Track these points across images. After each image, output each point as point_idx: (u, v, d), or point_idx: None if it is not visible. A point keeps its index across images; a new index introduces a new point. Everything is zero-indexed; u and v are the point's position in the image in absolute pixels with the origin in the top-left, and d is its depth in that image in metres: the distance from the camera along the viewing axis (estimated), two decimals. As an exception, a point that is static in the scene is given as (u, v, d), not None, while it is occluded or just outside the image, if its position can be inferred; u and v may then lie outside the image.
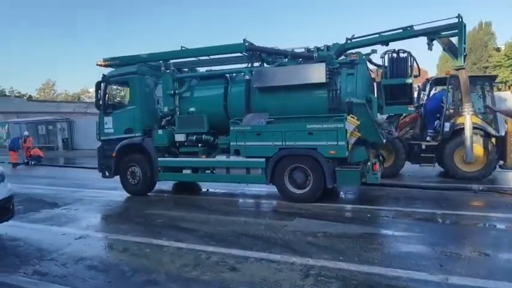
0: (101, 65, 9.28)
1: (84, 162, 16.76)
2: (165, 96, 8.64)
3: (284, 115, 7.49)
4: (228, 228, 5.71)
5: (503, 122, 9.37)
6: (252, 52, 8.10)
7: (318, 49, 7.77)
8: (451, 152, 9.11)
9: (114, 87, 9.79)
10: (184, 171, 8.20)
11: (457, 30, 6.94)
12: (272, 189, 8.43)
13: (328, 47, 7.81)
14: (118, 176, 8.85)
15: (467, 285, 3.55)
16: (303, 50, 7.87)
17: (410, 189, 8.27)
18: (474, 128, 8.80)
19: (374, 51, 7.36)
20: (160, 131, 8.34)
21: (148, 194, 8.70)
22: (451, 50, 7.16)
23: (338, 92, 7.23)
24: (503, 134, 9.07)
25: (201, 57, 8.76)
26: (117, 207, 7.92)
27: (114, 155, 8.68)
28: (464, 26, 6.90)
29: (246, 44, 7.81)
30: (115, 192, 9.17)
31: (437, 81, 10.86)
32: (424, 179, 9.52)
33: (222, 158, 7.87)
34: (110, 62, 9.17)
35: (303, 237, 5.15)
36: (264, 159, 7.34)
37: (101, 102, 8.94)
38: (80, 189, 9.89)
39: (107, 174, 9.11)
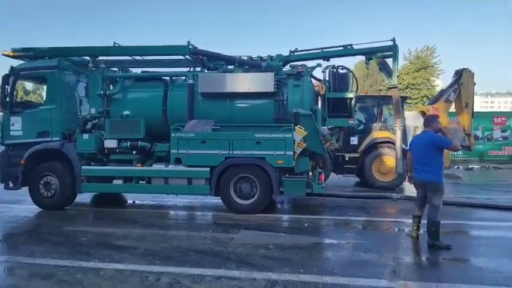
0: (8, 56, 7.84)
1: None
2: (92, 96, 7.62)
3: (228, 123, 7.16)
4: (171, 243, 5.09)
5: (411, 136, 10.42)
6: (195, 56, 7.65)
7: (261, 59, 7.72)
8: (370, 164, 9.78)
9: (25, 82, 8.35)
10: (115, 182, 7.22)
11: (391, 52, 7.50)
12: (205, 200, 8.11)
13: (271, 58, 7.80)
14: (26, 188, 7.43)
15: None
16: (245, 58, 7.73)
17: (338, 198, 8.55)
18: (388, 142, 9.64)
19: (319, 65, 7.55)
20: (85, 136, 7.26)
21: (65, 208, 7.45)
22: (385, 70, 7.72)
23: (285, 102, 7.19)
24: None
25: (136, 57, 7.99)
26: (24, 225, 6.57)
27: (22, 162, 7.27)
28: (397, 47, 7.51)
29: (190, 47, 7.35)
30: (18, 207, 7.71)
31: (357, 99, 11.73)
32: (347, 188, 10.03)
33: (160, 167, 7.14)
34: (21, 53, 7.81)
35: (255, 250, 4.82)
36: (208, 169, 6.86)
37: (8, 99, 7.49)
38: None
39: (11, 185, 7.58)
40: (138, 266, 4.20)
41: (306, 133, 6.78)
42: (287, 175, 6.89)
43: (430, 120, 5.16)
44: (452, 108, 9.91)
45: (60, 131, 7.42)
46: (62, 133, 7.44)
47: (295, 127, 6.74)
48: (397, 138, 7.97)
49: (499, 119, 17.31)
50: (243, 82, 7.12)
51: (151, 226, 6.14)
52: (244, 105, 7.33)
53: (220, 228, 5.97)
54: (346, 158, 9.75)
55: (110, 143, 7.27)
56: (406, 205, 7.96)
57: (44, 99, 7.64)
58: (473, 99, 9.48)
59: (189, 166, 6.94)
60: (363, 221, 6.58)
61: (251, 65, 7.44)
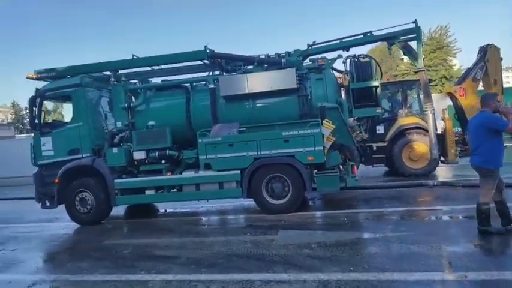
0: (32, 78, 8.02)
1: (7, 193, 14.35)
2: (116, 110, 7.71)
3: (253, 124, 7.11)
4: (212, 250, 5.07)
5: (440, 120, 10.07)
6: (213, 60, 7.62)
7: (279, 56, 7.61)
8: (399, 152, 9.51)
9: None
10: (147, 192, 7.28)
11: (415, 35, 7.26)
12: (236, 203, 8.08)
13: (289, 54, 7.68)
14: (62, 206, 7.58)
15: (486, 280, 3.44)
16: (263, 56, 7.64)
17: (371, 190, 8.36)
18: (416, 127, 9.35)
19: (340, 56, 7.38)
20: (114, 150, 7.35)
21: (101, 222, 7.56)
22: (410, 53, 7.48)
23: (309, 97, 7.07)
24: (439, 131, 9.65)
25: (155, 67, 8.04)
26: (64, 242, 6.73)
27: (57, 180, 7.41)
28: (420, 29, 7.26)
29: (208, 51, 7.32)
30: (55, 225, 7.91)
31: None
32: (377, 179, 9.80)
33: (190, 173, 7.16)
34: (44, 74, 7.97)
35: (298, 250, 4.74)
36: (238, 171, 6.82)
37: (36, 121, 7.67)
38: (8, 224, 8.37)
39: (48, 204, 7.76)
40: (185, 275, 4.18)
41: (334, 126, 6.66)
42: (318, 171, 6.78)
43: (487, 99, 4.71)
44: (480, 87, 9.52)
45: (89, 147, 7.53)
46: (92, 149, 7.55)
47: (323, 121, 6.62)
48: (429, 122, 7.70)
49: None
50: (265, 81, 7.05)
51: (188, 234, 6.16)
52: (268, 104, 7.26)
53: (258, 230, 5.91)
54: (374, 148, 9.52)
55: (139, 155, 7.33)
56: (444, 191, 7.75)
57: (71, 118, 7.75)
58: (501, 75, 9.08)
59: (219, 170, 6.92)
60: (403, 211, 6.39)
61: (270, 63, 7.35)
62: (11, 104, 60.53)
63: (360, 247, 4.66)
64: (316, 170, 6.75)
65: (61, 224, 7.81)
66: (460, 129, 9.81)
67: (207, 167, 6.98)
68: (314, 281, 3.71)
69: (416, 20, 7.21)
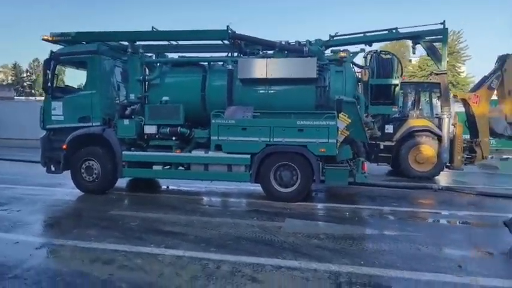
0: (48, 40, 7.87)
1: (6, 154, 14.29)
2: (131, 82, 7.60)
3: (268, 109, 7.04)
4: (219, 231, 5.08)
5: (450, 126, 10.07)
6: (234, 41, 7.50)
7: (299, 44, 7.49)
8: (407, 153, 9.52)
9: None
10: (155, 167, 7.26)
11: (441, 36, 7.16)
12: (240, 186, 8.12)
13: (310, 42, 7.56)
14: (66, 172, 7.55)
15: (498, 286, 3.47)
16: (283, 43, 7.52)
17: (374, 187, 8.37)
18: (425, 130, 9.33)
19: (363, 50, 7.28)
20: (126, 121, 7.29)
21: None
22: (434, 55, 7.40)
23: (327, 88, 7.01)
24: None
25: (173, 42, 7.90)
26: (69, 208, 6.74)
27: (65, 146, 7.37)
28: (447, 31, 7.16)
29: (230, 31, 7.19)
30: (59, 190, 7.88)
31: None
32: (380, 177, 9.80)
33: (199, 153, 7.13)
34: (59, 38, 7.82)
35: (306, 239, 4.77)
36: (249, 156, 6.80)
37: (49, 84, 7.56)
38: (11, 185, 8.33)
39: (53, 168, 7.74)
40: (195, 252, 4.20)
41: (350, 121, 6.62)
42: (327, 163, 6.78)
43: None
44: (494, 96, 9.49)
45: (100, 116, 7.46)
46: (103, 118, 7.48)
47: (339, 114, 6.57)
48: (444, 126, 7.68)
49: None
50: (285, 68, 6.96)
51: (194, 213, 6.16)
52: (284, 91, 7.18)
53: (264, 216, 5.92)
54: (381, 147, 9.51)
55: (150, 129, 7.29)
56: (448, 196, 7.79)
57: (84, 85, 7.65)
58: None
59: (229, 153, 6.90)
60: (409, 211, 6.41)
61: (292, 50, 7.24)
62: (12, 65, 59.65)
63: (368, 242, 4.70)
64: (326, 163, 6.75)
65: (65, 190, 7.79)
66: (468, 136, 9.80)
67: (218, 148, 6.95)
68: (325, 271, 3.73)
69: (444, 21, 7.13)
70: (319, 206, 6.95)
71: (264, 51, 7.60)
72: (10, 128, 20.86)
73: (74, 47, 7.75)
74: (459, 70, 36.11)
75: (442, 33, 7.13)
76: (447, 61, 7.46)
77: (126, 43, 7.67)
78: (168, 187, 8.50)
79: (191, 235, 4.89)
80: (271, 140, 6.72)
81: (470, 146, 9.03)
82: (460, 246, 4.71)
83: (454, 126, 9.55)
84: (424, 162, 9.31)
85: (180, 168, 7.36)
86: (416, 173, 9.40)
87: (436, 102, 9.87)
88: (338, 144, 6.63)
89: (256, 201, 7.02)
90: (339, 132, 6.60)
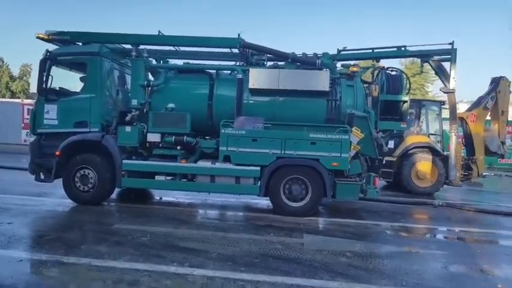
0: (43, 39, 7.36)
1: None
2: (134, 86, 7.22)
3: (277, 121, 6.90)
4: (241, 248, 4.81)
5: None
6: (243, 50, 7.34)
7: (306, 55, 7.45)
8: (408, 168, 9.66)
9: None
10: (157, 178, 6.87)
11: (449, 56, 7.35)
12: (238, 199, 7.88)
13: (317, 56, 7.55)
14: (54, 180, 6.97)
15: None
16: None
17: (376, 203, 8.37)
18: (425, 147, 9.54)
19: (373, 66, 7.35)
20: (128, 128, 6.87)
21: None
22: (442, 73, 7.58)
23: (338, 102, 6.97)
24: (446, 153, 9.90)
25: (180, 48, 7.62)
26: (67, 221, 6.20)
27: (58, 153, 6.81)
28: (456, 51, 7.37)
29: (240, 40, 7.02)
30: (49, 200, 7.33)
31: None
32: (383, 192, 9.87)
33: (206, 164, 6.82)
34: (55, 37, 7.34)
35: (334, 257, 4.60)
36: (258, 168, 6.58)
37: (44, 86, 7.02)
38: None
39: (43, 176, 7.12)
40: (226, 272, 3.91)
41: (362, 135, 6.59)
42: (339, 178, 6.69)
43: None
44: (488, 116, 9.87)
45: (99, 122, 6.99)
46: (101, 124, 7.02)
47: (352, 129, 6.53)
48: (452, 143, 7.84)
49: (509, 127, 17.48)
50: (298, 79, 6.87)
51: (205, 227, 5.87)
52: (296, 103, 7.07)
53: (281, 231, 5.69)
54: (383, 162, 9.58)
55: (153, 137, 6.91)
56: (450, 212, 7.91)
57: (83, 88, 7.16)
58: (508, 107, 9.48)
59: (238, 164, 6.65)
60: (421, 228, 6.48)
61: (305, 62, 7.17)
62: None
63: (397, 261, 4.58)
64: (334, 177, 6.66)
65: (55, 200, 7.21)
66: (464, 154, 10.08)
67: (226, 159, 6.69)
68: (370, 293, 3.57)
69: (453, 41, 7.33)
70: (330, 221, 6.80)
71: (274, 62, 7.49)
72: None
73: (73, 47, 7.30)
74: (427, 89, 37.86)
75: (451, 53, 7.34)
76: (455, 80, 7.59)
77: (129, 46, 7.31)
78: (161, 198, 8.10)
79: (212, 252, 4.58)
80: (283, 152, 6.56)
81: (467, 164, 9.30)
82: (488, 263, 4.70)
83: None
84: (424, 178, 9.46)
85: (184, 179, 7.02)
86: (418, 189, 9.52)
87: (435, 119, 10.15)
88: (349, 158, 6.57)
89: (264, 215, 6.79)
90: (352, 147, 6.55)
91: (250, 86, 6.90)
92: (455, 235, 6.36)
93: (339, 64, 7.52)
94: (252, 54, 7.61)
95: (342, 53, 7.93)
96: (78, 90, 7.25)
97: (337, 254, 4.69)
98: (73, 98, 7.17)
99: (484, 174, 15.49)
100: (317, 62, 7.05)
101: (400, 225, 6.52)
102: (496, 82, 9.17)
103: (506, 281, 4.00)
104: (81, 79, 7.29)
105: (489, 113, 9.37)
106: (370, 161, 7.21)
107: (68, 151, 6.88)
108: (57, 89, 7.28)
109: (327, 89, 6.76)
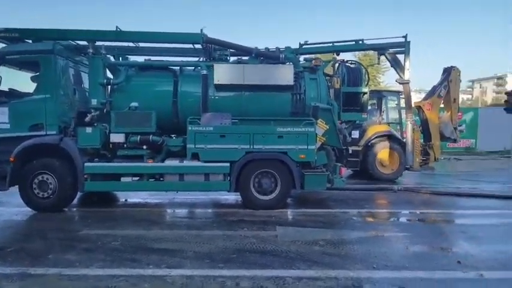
0: None
1: None
2: (92, 85, 6.90)
3: (243, 116, 6.94)
4: (216, 244, 4.81)
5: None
6: (206, 45, 7.26)
7: (268, 50, 7.55)
8: (373, 156, 10.13)
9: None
10: (123, 179, 6.64)
11: (403, 48, 7.76)
12: (206, 196, 7.89)
13: (280, 50, 7.65)
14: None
15: (504, 279, 3.81)
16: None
17: (341, 191, 8.67)
18: (387, 135, 10.05)
19: (334, 60, 7.57)
20: (88, 129, 6.57)
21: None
22: (397, 65, 7.98)
23: (302, 95, 7.12)
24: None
25: (140, 44, 7.38)
26: (28, 230, 5.81)
27: (12, 159, 6.37)
28: (409, 44, 7.79)
29: (203, 35, 6.94)
30: (4, 210, 6.92)
31: None
32: (351, 180, 10.24)
33: (174, 162, 6.70)
34: (3, 34, 6.82)
35: (308, 247, 4.73)
36: (228, 164, 6.59)
37: (-9, 87, 6.51)
38: None
39: (-4, 185, 6.63)
40: (204, 270, 3.90)
41: (327, 127, 6.81)
42: (306, 170, 6.87)
43: None
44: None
45: (56, 124, 6.61)
46: (59, 126, 6.64)
47: (317, 121, 6.72)
48: (408, 131, 8.29)
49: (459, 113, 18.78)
50: (263, 74, 6.92)
51: (178, 226, 5.79)
52: (261, 98, 7.14)
53: (254, 225, 5.75)
54: (350, 151, 9.94)
55: (117, 137, 6.68)
56: (408, 196, 8.41)
57: (36, 88, 6.71)
58: (458, 95, 10.22)
59: (206, 161, 6.61)
60: (386, 212, 6.82)
61: (269, 57, 7.24)
62: None
63: (367, 245, 4.79)
64: (302, 169, 6.84)
65: (10, 209, 6.77)
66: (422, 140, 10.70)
67: (194, 156, 6.62)
68: (346, 278, 3.73)
69: (406, 34, 7.74)
70: (300, 211, 6.95)
71: (238, 57, 7.49)
72: None
73: (22, 45, 6.83)
74: (379, 80, 39.69)
75: (405, 46, 7.75)
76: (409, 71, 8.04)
77: (85, 43, 6.95)
78: (126, 200, 7.86)
79: (188, 251, 4.54)
80: (252, 147, 6.61)
81: (424, 149, 9.91)
82: (449, 242, 5.05)
83: (413, 131, 10.38)
84: (387, 165, 9.96)
85: (151, 179, 6.86)
86: (383, 176, 10.01)
87: (394, 109, 10.69)
88: (315, 150, 6.77)
89: (235, 210, 6.83)
90: (317, 139, 6.74)
91: (216, 81, 6.85)
92: (416, 217, 6.78)
93: (301, 58, 7.68)
94: (215, 50, 7.55)
95: (304, 47, 8.12)
96: (30, 91, 6.80)
97: (311, 244, 4.83)
98: (26, 99, 6.72)
99: (455, 157, 16.64)
100: (280, 56, 7.13)
101: (365, 211, 6.84)
102: (447, 72, 9.83)
103: (465, 257, 4.34)
104: (33, 79, 6.85)
105: (442, 101, 10.01)
106: (338, 152, 7.49)
107: (23, 156, 6.46)
108: (7, 90, 6.78)
109: (291, 83, 6.89)
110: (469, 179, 10.92)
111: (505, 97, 15.05)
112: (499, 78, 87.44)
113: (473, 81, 77.17)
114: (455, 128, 9.91)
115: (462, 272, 3.90)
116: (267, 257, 4.34)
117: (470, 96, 74.92)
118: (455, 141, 10.52)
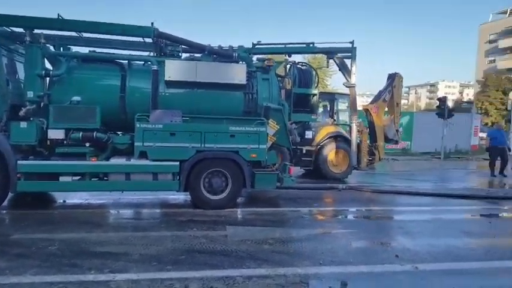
0: None
1: None
2: (29, 77, 6.34)
3: (195, 114, 6.82)
4: (164, 246, 4.67)
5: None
6: (157, 40, 7.02)
7: (221, 48, 7.53)
8: (325, 156, 10.49)
9: None
10: (62, 179, 6.18)
11: (350, 53, 8.12)
12: (154, 196, 7.67)
13: (233, 48, 7.65)
14: None
15: (436, 270, 4.14)
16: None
17: (290, 190, 8.89)
18: (339, 136, 10.49)
19: (286, 61, 7.70)
20: (23, 124, 6.02)
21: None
22: (345, 69, 8.33)
23: (254, 95, 7.16)
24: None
25: (84, 34, 6.93)
26: None
27: None
28: (356, 49, 8.17)
29: (154, 29, 6.69)
30: None
31: None
32: (303, 179, 10.54)
33: (120, 161, 6.39)
34: None
35: (258, 246, 4.77)
36: (177, 163, 6.42)
37: None
38: None
39: None
40: (151, 274, 3.76)
41: (278, 127, 6.92)
42: (257, 169, 6.92)
43: None
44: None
45: (-16, 118, 5.99)
46: (-13, 120, 6.02)
47: (269, 121, 6.80)
48: (353, 132, 8.69)
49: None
50: (215, 72, 6.86)
51: (123, 228, 5.54)
52: (213, 96, 7.05)
53: (203, 225, 5.67)
54: (304, 151, 10.20)
55: (56, 134, 6.21)
56: (352, 194, 8.83)
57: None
58: (400, 99, 10.97)
59: (155, 160, 6.39)
60: (330, 210, 7.09)
61: (222, 55, 7.17)
62: None
63: (314, 242, 4.95)
64: (253, 168, 6.89)
65: None
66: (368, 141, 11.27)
67: (142, 155, 6.37)
68: (295, 275, 3.81)
69: (353, 40, 8.12)
70: (250, 210, 6.99)
71: (190, 54, 7.33)
72: None
73: None
74: (326, 83, 41.39)
75: (351, 51, 8.13)
76: (354, 75, 8.46)
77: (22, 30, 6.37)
78: (65, 201, 7.35)
79: (134, 254, 4.34)
80: (203, 145, 6.51)
81: (370, 150, 10.47)
82: (389, 237, 5.41)
83: (361, 133, 10.90)
84: (338, 164, 10.35)
85: (94, 179, 6.47)
86: (334, 175, 10.36)
87: (344, 111, 11.15)
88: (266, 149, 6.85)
89: (184, 210, 6.71)
90: (268, 138, 6.83)
91: (167, 78, 6.65)
92: (359, 214, 7.17)
93: (254, 58, 7.72)
94: (167, 45, 7.32)
95: (257, 46, 8.17)
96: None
97: (260, 242, 4.88)
98: None
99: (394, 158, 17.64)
100: (234, 55, 7.11)
101: (313, 210, 7.07)
102: (392, 78, 10.50)
103: (402, 251, 4.66)
104: None
105: (387, 105, 10.67)
106: (291, 152, 7.63)
107: None
108: None
109: (244, 82, 6.89)
110: (405, 178, 11.78)
111: (437, 103, 16.52)
112: (432, 85, 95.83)
113: (409, 88, 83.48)
114: (397, 131, 10.63)
115: (400, 265, 4.18)
116: (216, 257, 4.30)
117: (406, 101, 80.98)
118: (396, 142, 11.27)
